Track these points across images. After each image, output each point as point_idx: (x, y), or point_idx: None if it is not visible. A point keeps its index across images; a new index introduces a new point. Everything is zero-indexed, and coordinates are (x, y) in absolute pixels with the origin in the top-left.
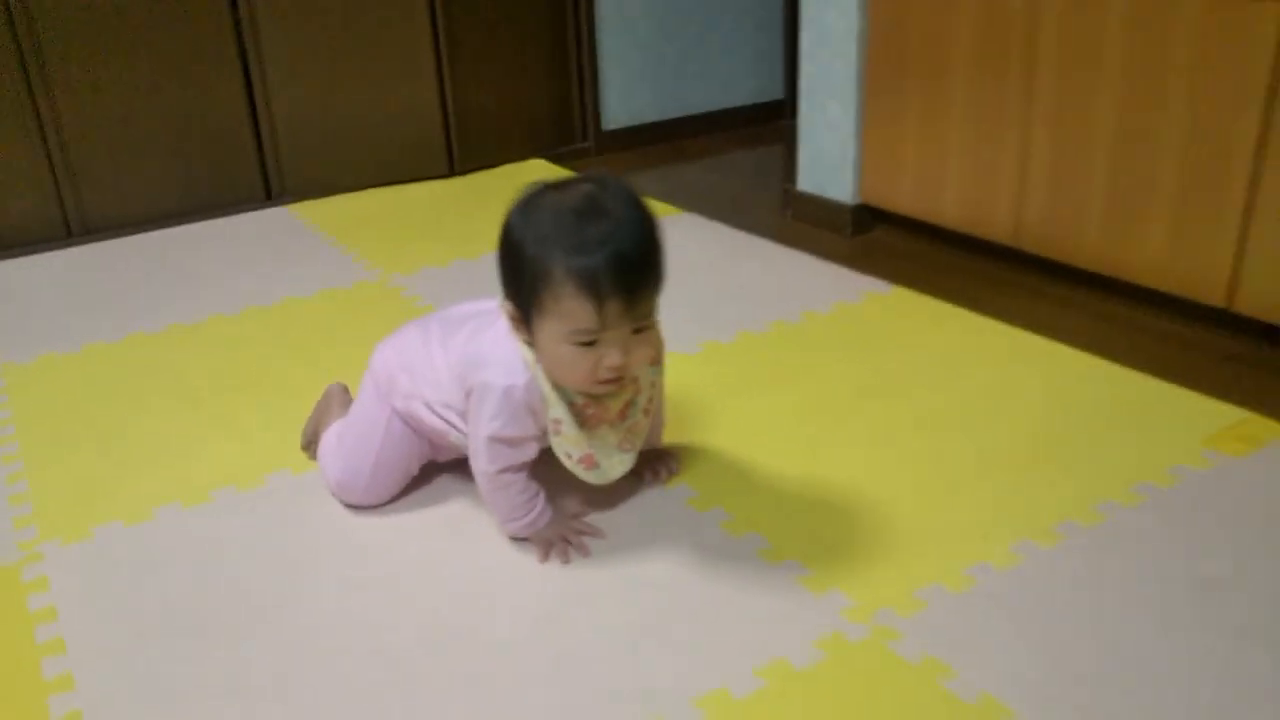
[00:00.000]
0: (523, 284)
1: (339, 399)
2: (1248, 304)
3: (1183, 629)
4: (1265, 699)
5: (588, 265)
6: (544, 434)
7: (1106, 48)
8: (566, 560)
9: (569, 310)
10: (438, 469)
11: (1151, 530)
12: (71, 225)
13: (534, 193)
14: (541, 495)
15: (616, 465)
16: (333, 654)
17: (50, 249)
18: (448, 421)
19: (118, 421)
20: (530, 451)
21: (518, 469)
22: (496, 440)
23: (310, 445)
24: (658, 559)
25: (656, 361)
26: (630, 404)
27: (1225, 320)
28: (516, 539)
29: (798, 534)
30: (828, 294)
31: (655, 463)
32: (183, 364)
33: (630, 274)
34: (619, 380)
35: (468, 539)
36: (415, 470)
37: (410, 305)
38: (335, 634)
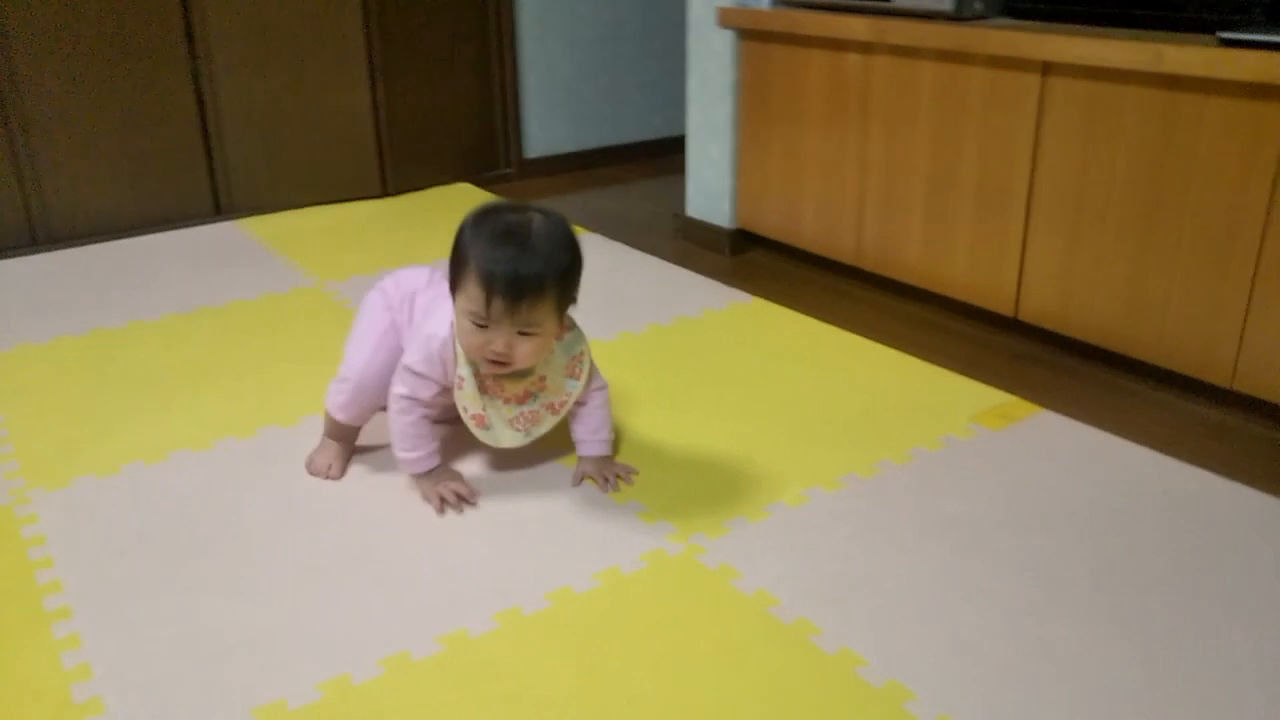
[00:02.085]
0: (454, 265)
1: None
2: (1029, 314)
3: (922, 548)
4: (972, 591)
5: (489, 269)
6: (448, 389)
7: (920, 107)
8: (440, 512)
9: (470, 294)
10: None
11: (913, 481)
12: (37, 234)
13: (492, 206)
14: (434, 447)
15: (506, 437)
16: (267, 564)
17: (18, 255)
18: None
19: (88, 398)
20: (429, 390)
21: (417, 402)
22: (408, 369)
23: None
24: (529, 499)
25: (574, 375)
26: (531, 395)
27: (1015, 326)
28: (412, 481)
29: (640, 482)
30: (700, 302)
31: (608, 471)
32: (143, 353)
33: (516, 288)
34: (503, 365)
35: (378, 488)
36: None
37: (340, 308)
38: (270, 551)
